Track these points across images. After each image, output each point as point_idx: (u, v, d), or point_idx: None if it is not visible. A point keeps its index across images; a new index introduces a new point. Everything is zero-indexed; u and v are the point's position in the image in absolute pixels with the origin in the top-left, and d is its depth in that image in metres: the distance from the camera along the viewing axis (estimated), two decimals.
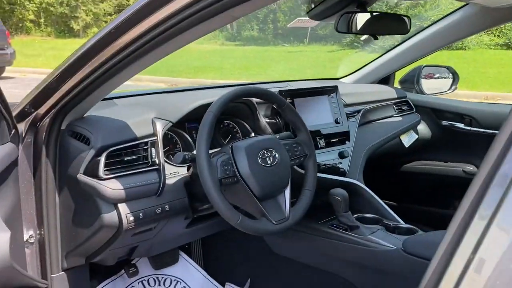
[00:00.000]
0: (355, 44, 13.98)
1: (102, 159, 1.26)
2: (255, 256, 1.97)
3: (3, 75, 9.93)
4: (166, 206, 1.36)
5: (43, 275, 1.46)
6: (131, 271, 1.66)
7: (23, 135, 1.41)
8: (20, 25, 16.58)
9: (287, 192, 1.37)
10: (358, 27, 1.51)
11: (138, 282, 1.92)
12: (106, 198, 1.26)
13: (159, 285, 1.95)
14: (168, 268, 1.95)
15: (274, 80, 2.14)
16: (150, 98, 1.76)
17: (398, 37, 2.35)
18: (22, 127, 1.41)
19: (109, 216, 1.28)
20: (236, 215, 1.23)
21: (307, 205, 1.41)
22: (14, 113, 1.39)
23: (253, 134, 1.68)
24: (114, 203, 1.28)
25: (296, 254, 1.79)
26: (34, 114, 1.37)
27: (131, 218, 1.29)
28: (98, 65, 1.12)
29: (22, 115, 1.40)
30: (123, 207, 1.29)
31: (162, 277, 1.98)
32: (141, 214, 1.31)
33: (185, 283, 1.99)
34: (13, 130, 1.23)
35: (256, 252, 1.95)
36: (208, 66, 10.85)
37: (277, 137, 1.47)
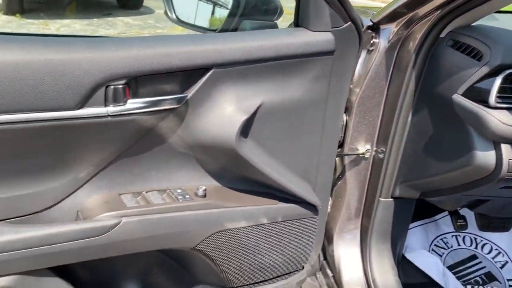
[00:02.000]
0: None
1: (498, 81, 0.96)
2: None
3: None
4: None
5: (369, 196, 1.34)
6: (459, 223, 1.38)
7: (390, 37, 1.24)
8: None
9: None
10: None
11: (452, 236, 1.65)
12: (490, 132, 0.97)
13: (475, 248, 1.63)
14: (493, 233, 1.60)
15: None
16: None
17: None
18: (392, 27, 1.23)
19: (485, 156, 1.00)
20: None
21: None
22: (382, 15, 1.22)
23: None
24: (495, 141, 0.99)
25: None
26: (408, 16, 1.16)
27: None
28: None
29: (392, 16, 1.21)
30: (507, 149, 0.98)
31: (481, 240, 1.64)
32: None
33: (509, 258, 1.61)
34: (346, 24, 1.03)
35: None
36: None
37: None
